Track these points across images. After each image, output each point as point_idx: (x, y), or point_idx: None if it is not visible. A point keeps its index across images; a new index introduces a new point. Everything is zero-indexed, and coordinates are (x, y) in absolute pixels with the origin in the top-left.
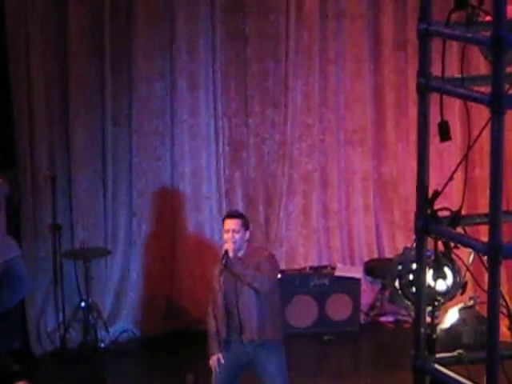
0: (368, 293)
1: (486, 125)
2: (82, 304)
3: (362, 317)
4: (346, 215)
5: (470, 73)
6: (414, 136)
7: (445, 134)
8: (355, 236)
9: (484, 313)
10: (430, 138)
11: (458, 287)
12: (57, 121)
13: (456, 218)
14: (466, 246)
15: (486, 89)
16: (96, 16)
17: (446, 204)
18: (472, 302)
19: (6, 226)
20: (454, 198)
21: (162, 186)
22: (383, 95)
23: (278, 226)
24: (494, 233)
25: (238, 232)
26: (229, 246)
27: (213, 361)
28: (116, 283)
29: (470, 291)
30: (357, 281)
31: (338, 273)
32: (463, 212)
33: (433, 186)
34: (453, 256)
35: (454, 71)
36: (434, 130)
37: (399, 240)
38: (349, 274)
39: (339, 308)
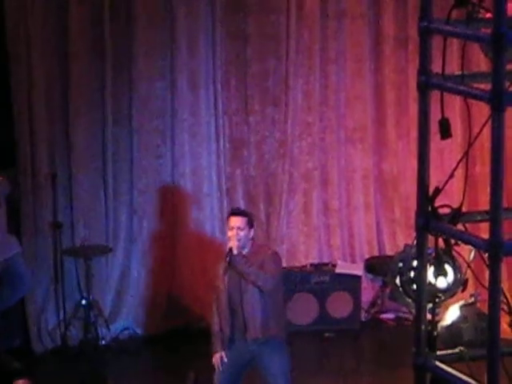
0: (369, 290)
1: (486, 122)
2: (83, 302)
3: (363, 314)
4: (346, 213)
5: (471, 70)
6: (414, 134)
7: (445, 131)
8: (356, 234)
9: (485, 310)
10: (430, 135)
11: (459, 284)
12: (57, 120)
13: (457, 215)
14: (466, 243)
15: (486, 86)
16: (96, 16)
17: (447, 201)
18: (473, 299)
19: (7, 224)
20: (455, 195)
21: (163, 184)
22: (384, 94)
23: (278, 223)
24: (494, 230)
25: (242, 229)
26: (233, 244)
27: (216, 359)
28: (117, 281)
29: (470, 288)
30: (357, 278)
31: (338, 270)
32: (464, 209)
33: (433, 183)
34: (453, 253)
35: (454, 68)
36: (434, 127)
37: (400, 237)
38: (349, 272)
39: (340, 305)
